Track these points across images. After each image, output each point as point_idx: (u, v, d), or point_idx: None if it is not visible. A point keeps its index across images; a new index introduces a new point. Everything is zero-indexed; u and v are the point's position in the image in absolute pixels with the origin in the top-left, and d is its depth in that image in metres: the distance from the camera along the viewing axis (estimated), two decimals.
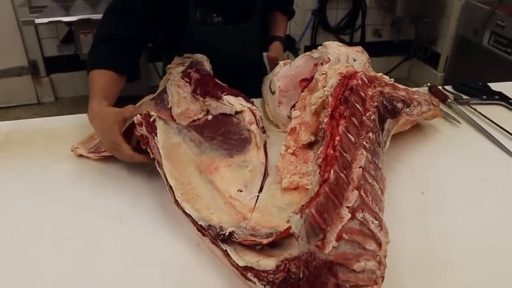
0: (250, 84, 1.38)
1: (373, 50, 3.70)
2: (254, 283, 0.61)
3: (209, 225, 0.71)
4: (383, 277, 0.59)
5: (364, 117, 0.81)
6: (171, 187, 0.79)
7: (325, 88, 0.87)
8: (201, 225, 0.72)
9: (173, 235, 0.80)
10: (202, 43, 1.32)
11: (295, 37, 3.61)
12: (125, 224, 0.84)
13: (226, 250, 0.67)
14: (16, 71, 3.37)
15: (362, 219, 0.61)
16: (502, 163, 1.06)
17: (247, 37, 1.39)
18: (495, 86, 1.43)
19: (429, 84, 1.45)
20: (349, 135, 0.73)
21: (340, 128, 0.73)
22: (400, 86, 1.08)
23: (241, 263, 0.64)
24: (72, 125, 1.22)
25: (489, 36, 3.04)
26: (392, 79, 1.07)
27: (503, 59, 2.90)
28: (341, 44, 1.16)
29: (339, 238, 0.57)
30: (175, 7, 1.26)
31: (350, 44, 3.54)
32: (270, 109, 1.24)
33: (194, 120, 1.11)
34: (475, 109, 1.30)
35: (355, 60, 1.13)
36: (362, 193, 0.65)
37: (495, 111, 1.30)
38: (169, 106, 1.17)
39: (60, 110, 3.46)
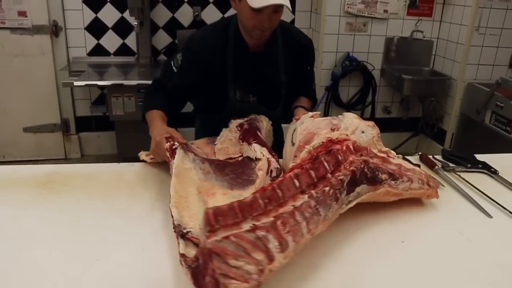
0: None
1: (382, 125, 3.91)
2: (184, 267, 0.83)
3: (179, 225, 0.94)
4: (259, 282, 0.76)
5: (330, 175, 0.96)
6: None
7: (306, 146, 1.07)
8: (174, 222, 0.95)
9: None
10: (239, 115, 1.57)
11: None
12: (147, 250, 1.00)
13: (179, 242, 0.89)
14: (49, 127, 3.66)
15: (261, 236, 0.78)
16: (478, 221, 1.20)
17: (273, 117, 1.64)
18: (479, 156, 1.59)
19: (420, 153, 1.61)
20: (295, 180, 0.89)
21: (289, 174, 0.91)
22: (397, 161, 1.19)
23: (181, 251, 0.86)
24: (105, 171, 1.42)
25: (490, 115, 3.24)
26: (400, 155, 1.25)
27: (503, 137, 3.07)
28: (357, 117, 1.33)
29: (226, 237, 0.75)
30: (219, 88, 1.60)
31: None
32: (286, 157, 1.31)
33: (230, 158, 1.35)
34: (459, 176, 1.45)
35: (363, 132, 1.26)
36: (278, 222, 0.82)
37: (478, 178, 1.45)
38: (215, 143, 1.44)
39: None
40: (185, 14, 3.61)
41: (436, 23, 3.74)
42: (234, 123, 1.51)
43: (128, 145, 3.10)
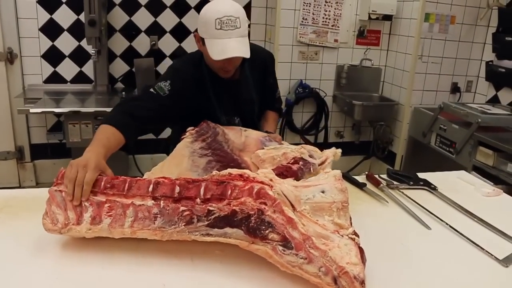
0: None
1: None
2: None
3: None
4: (60, 230, 1.10)
5: (199, 200, 1.07)
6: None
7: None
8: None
9: None
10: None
11: None
12: (107, 269, 1.04)
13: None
14: (3, 155, 3.58)
15: (85, 204, 1.12)
16: (419, 233, 1.31)
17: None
18: (421, 175, 1.72)
19: (366, 172, 1.73)
20: (153, 185, 1.12)
21: (157, 179, 1.15)
22: (319, 243, 0.98)
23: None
24: None
25: (435, 138, 3.46)
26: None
27: (448, 158, 3.28)
28: (337, 175, 1.27)
29: (59, 191, 1.15)
30: (205, 116, 1.61)
31: (315, 144, 3.92)
32: None
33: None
34: (402, 192, 1.58)
35: (323, 192, 1.11)
36: (106, 205, 1.11)
37: (419, 194, 1.57)
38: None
39: None
40: (142, 43, 3.68)
41: (383, 51, 3.98)
42: (189, 132, 1.52)
43: None
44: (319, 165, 1.43)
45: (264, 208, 0.99)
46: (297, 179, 1.26)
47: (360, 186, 1.62)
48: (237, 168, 1.35)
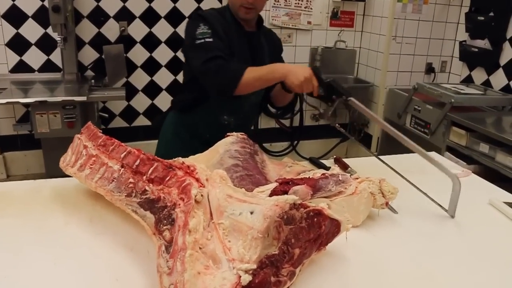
0: None
1: (312, 133, 4.10)
2: None
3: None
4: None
5: (145, 177, 1.09)
6: None
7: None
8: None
9: None
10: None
11: None
12: (58, 265, 1.00)
13: None
14: None
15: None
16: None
17: (254, 102, 1.96)
18: (386, 157, 1.71)
19: (335, 156, 1.71)
20: (131, 155, 1.17)
21: (141, 153, 1.18)
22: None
23: None
24: (20, 189, 1.40)
25: (410, 119, 3.46)
26: None
27: (423, 139, 3.29)
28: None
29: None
30: None
31: (291, 128, 3.90)
32: None
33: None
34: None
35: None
36: (93, 158, 1.28)
37: None
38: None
39: None
40: (111, 29, 3.58)
41: (357, 33, 3.96)
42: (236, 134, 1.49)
43: (56, 163, 2.96)
44: (354, 178, 1.27)
45: (179, 204, 0.96)
46: (317, 188, 1.19)
47: (327, 169, 1.59)
48: (260, 181, 1.35)
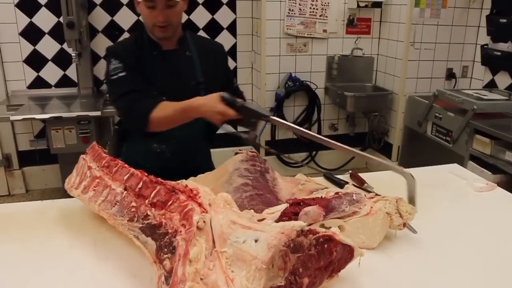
0: None
1: None
2: None
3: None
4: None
5: (147, 201, 1.05)
6: None
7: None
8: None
9: None
10: None
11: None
12: None
13: None
14: None
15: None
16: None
17: (192, 124, 1.58)
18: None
19: (350, 171, 1.64)
20: (133, 178, 1.13)
21: (144, 176, 1.14)
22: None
23: None
24: (26, 211, 1.39)
25: (431, 127, 3.35)
26: None
27: (444, 147, 3.18)
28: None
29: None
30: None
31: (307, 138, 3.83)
32: None
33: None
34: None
35: None
36: (97, 180, 1.25)
37: None
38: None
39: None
40: None
41: (375, 40, 3.87)
42: (246, 151, 1.46)
43: None
44: (369, 198, 1.19)
45: (180, 231, 0.91)
46: (330, 209, 1.13)
47: (342, 186, 1.53)
48: (271, 201, 1.30)
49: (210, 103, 1.42)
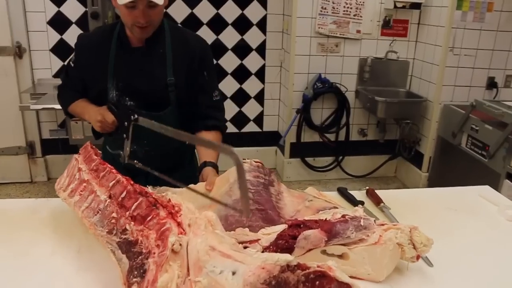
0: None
1: (358, 149, 3.85)
2: None
3: None
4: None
5: (128, 213, 0.97)
6: None
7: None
8: None
9: None
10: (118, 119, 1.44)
11: (282, 133, 3.76)
12: None
13: None
14: (14, 150, 3.54)
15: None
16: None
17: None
18: (429, 191, 1.48)
19: (367, 187, 1.49)
20: (118, 186, 1.05)
21: (130, 185, 1.06)
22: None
23: None
24: (17, 208, 1.34)
25: (466, 139, 3.13)
26: None
27: (480, 162, 2.96)
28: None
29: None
30: (98, 86, 1.53)
31: (335, 142, 3.68)
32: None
33: None
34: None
35: None
36: (83, 185, 1.18)
37: None
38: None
39: (50, 190, 3.55)
40: None
41: (411, 43, 3.66)
42: (250, 161, 1.31)
43: None
44: (379, 224, 1.05)
45: (154, 253, 0.82)
46: (334, 234, 1.00)
47: (356, 204, 1.39)
48: (272, 218, 1.18)
49: (93, 113, 1.46)
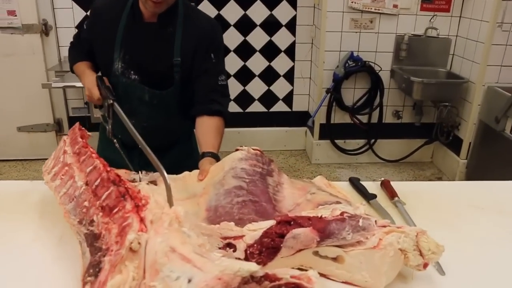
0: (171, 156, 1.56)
1: (392, 131, 3.64)
2: None
3: None
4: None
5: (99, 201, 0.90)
6: None
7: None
8: None
9: None
10: (123, 94, 1.47)
11: (312, 114, 3.61)
12: None
13: None
14: (42, 127, 3.58)
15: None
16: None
17: (162, 105, 1.50)
18: (461, 184, 1.31)
19: (383, 178, 1.35)
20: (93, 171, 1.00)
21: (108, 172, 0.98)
22: None
23: None
24: (8, 190, 1.30)
25: None
26: None
27: None
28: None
29: None
30: (105, 55, 1.50)
31: (368, 124, 3.48)
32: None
33: None
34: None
35: None
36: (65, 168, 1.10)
37: None
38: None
39: None
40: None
41: (454, 19, 3.38)
42: (247, 149, 1.21)
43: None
44: (380, 226, 0.90)
45: (112, 251, 0.74)
46: (327, 234, 0.88)
47: (368, 198, 1.25)
48: (266, 211, 1.07)
49: (86, 83, 1.47)
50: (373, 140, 3.67)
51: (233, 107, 3.87)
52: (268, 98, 3.86)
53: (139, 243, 0.72)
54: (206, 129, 1.45)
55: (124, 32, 1.47)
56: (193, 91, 1.50)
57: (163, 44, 1.46)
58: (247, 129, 3.88)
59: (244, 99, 3.84)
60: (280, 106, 3.90)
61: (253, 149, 1.19)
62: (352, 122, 3.59)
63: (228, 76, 3.70)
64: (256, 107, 3.89)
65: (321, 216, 0.93)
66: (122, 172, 1.24)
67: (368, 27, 3.32)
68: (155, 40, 1.47)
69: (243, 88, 3.80)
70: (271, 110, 3.91)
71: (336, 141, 3.65)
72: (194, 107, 1.49)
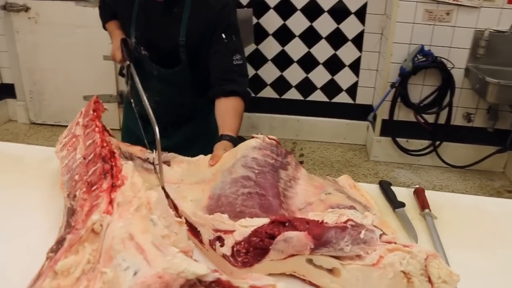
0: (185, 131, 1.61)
1: (461, 135, 3.34)
2: None
3: None
4: None
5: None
6: None
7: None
8: None
9: None
10: (136, 68, 1.46)
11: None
12: None
13: None
14: (106, 98, 3.72)
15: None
16: None
17: (172, 82, 1.51)
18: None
19: (417, 186, 1.21)
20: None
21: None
22: None
23: None
24: (32, 155, 1.34)
25: None
26: None
27: None
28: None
29: None
30: (124, 27, 1.57)
31: (434, 125, 3.22)
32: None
33: None
34: None
35: None
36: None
37: None
38: None
39: None
40: None
41: None
42: (263, 137, 1.14)
43: None
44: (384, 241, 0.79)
45: (76, 229, 0.70)
46: (323, 242, 0.79)
47: (395, 206, 1.12)
48: (271, 206, 0.98)
49: (114, 43, 1.52)
50: (438, 142, 3.40)
51: (294, 94, 3.77)
52: (331, 88, 3.71)
53: (101, 226, 0.67)
54: (223, 111, 1.39)
55: (138, 10, 1.49)
56: (207, 72, 1.47)
57: (170, 24, 1.46)
58: (306, 118, 3.77)
59: (306, 86, 3.72)
60: (343, 97, 3.73)
61: (269, 138, 1.10)
62: (416, 120, 3.35)
63: (290, 61, 3.64)
64: (318, 96, 3.75)
65: (322, 221, 0.83)
66: (137, 149, 1.22)
67: (444, 19, 3.04)
68: (162, 19, 1.47)
69: (305, 75, 3.68)
70: (333, 100, 3.75)
71: (398, 139, 3.42)
72: (211, 89, 1.45)
